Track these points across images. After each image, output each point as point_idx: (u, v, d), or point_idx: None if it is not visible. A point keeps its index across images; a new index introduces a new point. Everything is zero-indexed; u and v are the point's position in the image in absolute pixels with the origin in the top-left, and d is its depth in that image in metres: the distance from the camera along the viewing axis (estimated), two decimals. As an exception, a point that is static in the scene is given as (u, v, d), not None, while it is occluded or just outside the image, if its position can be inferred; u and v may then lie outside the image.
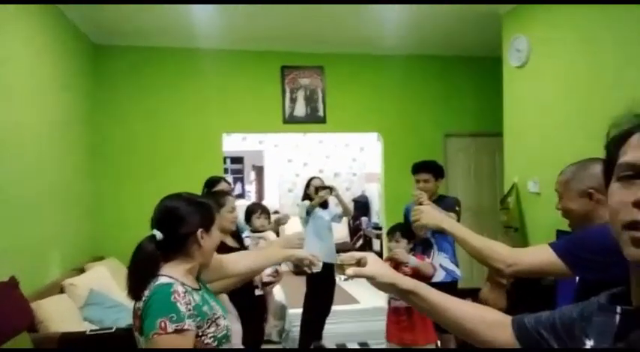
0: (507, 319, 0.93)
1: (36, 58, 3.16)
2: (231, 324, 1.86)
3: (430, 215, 1.52)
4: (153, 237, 1.32)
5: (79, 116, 4.01)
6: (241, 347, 1.91)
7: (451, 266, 3.07)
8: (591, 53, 2.91)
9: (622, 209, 0.62)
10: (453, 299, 1.00)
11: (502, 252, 1.37)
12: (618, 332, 0.65)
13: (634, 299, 0.66)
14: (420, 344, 2.43)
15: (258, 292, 2.57)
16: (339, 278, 1.11)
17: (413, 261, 2.38)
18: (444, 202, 3.10)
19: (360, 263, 1.03)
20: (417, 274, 2.34)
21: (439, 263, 3.07)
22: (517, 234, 3.55)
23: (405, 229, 2.24)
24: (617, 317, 0.67)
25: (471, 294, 3.16)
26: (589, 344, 0.72)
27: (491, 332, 0.93)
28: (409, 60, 5.01)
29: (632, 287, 0.67)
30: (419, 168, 3.16)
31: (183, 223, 1.33)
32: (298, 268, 1.56)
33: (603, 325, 0.70)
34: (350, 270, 1.01)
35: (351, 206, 7.89)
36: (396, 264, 2.43)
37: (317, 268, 1.73)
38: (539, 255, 1.33)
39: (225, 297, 1.90)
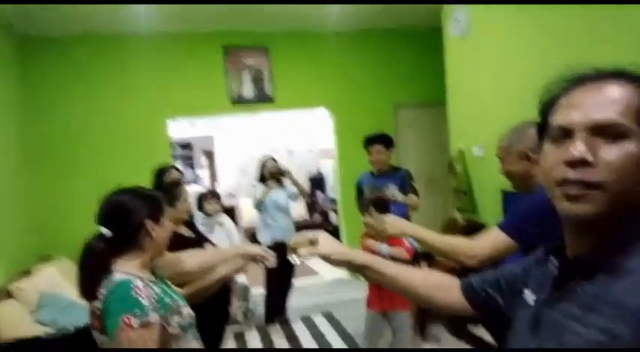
0: (457, 282, 0.99)
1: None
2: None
3: (394, 224, 1.58)
4: (100, 234, 1.28)
5: (5, 110, 3.72)
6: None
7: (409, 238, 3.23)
8: (530, 21, 3.02)
9: (555, 168, 0.66)
10: (406, 269, 1.04)
11: (463, 247, 1.43)
12: (555, 282, 0.70)
13: (568, 251, 0.71)
14: (399, 310, 2.51)
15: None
16: (294, 260, 1.10)
17: (385, 249, 2.42)
18: (397, 175, 3.27)
19: (312, 242, 1.04)
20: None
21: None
22: (466, 197, 3.72)
23: (378, 203, 2.26)
24: (554, 268, 0.72)
25: (425, 258, 3.32)
26: (529, 295, 0.77)
27: (443, 296, 0.98)
28: (352, 35, 5.01)
29: (567, 239, 0.71)
30: (372, 140, 3.27)
31: (131, 216, 1.30)
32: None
33: (541, 277, 0.75)
34: (303, 250, 1.03)
35: (307, 184, 7.95)
36: (374, 238, 2.46)
37: (270, 264, 1.70)
38: (492, 240, 1.40)
39: None
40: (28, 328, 2.71)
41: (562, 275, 0.69)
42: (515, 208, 1.47)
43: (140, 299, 1.18)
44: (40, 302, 3.00)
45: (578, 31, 2.61)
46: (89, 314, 1.25)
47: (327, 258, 1.02)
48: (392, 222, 1.59)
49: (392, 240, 2.42)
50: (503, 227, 1.40)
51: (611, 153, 0.61)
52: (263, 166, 3.95)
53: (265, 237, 3.87)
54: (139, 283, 1.21)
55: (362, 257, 1.03)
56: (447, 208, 4.32)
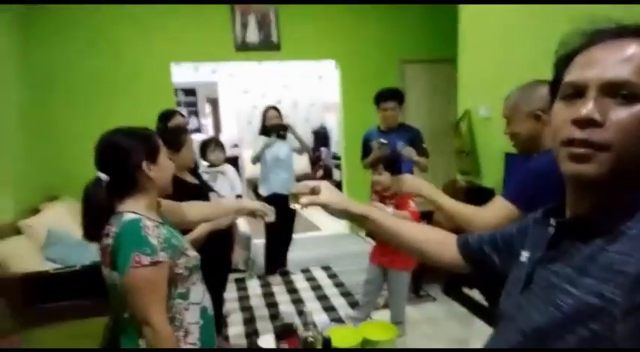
0: (454, 238, 1.00)
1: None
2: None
3: (410, 184, 1.55)
4: (99, 178, 1.28)
5: (12, 48, 3.65)
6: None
7: None
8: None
9: (562, 126, 0.64)
10: (405, 223, 1.05)
11: (469, 216, 1.40)
12: (551, 242, 0.70)
13: (568, 210, 0.71)
14: (398, 269, 2.52)
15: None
16: (295, 207, 1.11)
17: (390, 212, 2.40)
18: (407, 133, 3.21)
19: (313, 191, 1.04)
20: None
21: None
22: (468, 157, 3.72)
23: (388, 161, 2.20)
24: (551, 228, 0.71)
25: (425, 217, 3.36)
26: (524, 255, 0.77)
27: (442, 251, 0.99)
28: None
29: (567, 200, 0.71)
30: (385, 96, 3.16)
31: (126, 159, 1.27)
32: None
33: (538, 237, 0.76)
34: (303, 199, 1.03)
35: (311, 137, 7.91)
36: (382, 198, 2.42)
37: (270, 218, 1.71)
38: (497, 209, 1.37)
39: None
40: (37, 264, 2.82)
41: (558, 234, 0.69)
42: (518, 173, 1.42)
43: (150, 238, 1.21)
44: (48, 239, 3.09)
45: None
46: (99, 251, 1.29)
47: (326, 207, 1.03)
48: (410, 181, 1.56)
49: (399, 201, 2.39)
50: (507, 195, 1.36)
51: (622, 114, 0.59)
52: (264, 117, 3.88)
53: (265, 190, 3.86)
54: (148, 223, 1.24)
55: (360, 207, 1.03)
56: (449, 169, 4.33)
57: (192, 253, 1.37)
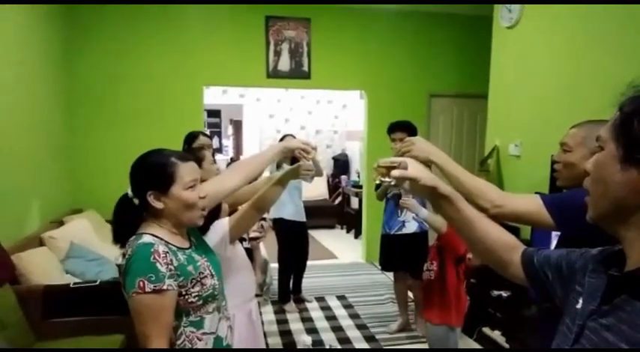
0: (521, 248, 0.97)
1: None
2: (247, 278, 1.91)
3: (421, 147, 1.45)
4: (126, 194, 1.32)
5: (51, 61, 3.79)
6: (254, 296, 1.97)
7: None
8: (585, 17, 2.89)
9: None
10: (483, 216, 1.03)
11: (491, 193, 1.34)
12: (604, 295, 0.68)
13: (629, 261, 0.68)
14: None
15: (245, 245, 2.59)
16: (380, 180, 1.04)
17: (424, 212, 2.35)
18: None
19: (400, 166, 1.01)
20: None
21: (412, 216, 3.23)
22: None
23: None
24: (606, 280, 0.70)
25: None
26: (580, 303, 0.75)
27: (509, 257, 0.96)
28: (397, 15, 4.89)
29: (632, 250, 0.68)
30: (395, 127, 3.26)
31: (136, 185, 1.29)
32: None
33: (594, 286, 0.73)
34: (396, 172, 0.99)
35: (331, 163, 7.93)
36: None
37: (311, 155, 1.61)
38: (528, 202, 1.32)
39: (241, 251, 1.91)
40: (57, 276, 2.82)
41: (612, 289, 0.67)
42: (566, 192, 1.35)
43: (157, 265, 1.19)
44: (70, 252, 3.11)
45: (631, 42, 2.49)
46: (118, 270, 1.30)
47: (415, 182, 1.00)
48: (420, 144, 1.46)
49: None
50: (547, 199, 1.30)
51: None
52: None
53: (271, 212, 3.83)
54: (161, 248, 1.22)
55: (448, 189, 1.01)
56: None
57: (210, 281, 1.33)
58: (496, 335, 3.17)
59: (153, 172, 1.28)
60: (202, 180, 1.41)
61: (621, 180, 0.65)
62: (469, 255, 2.33)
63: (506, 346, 3.01)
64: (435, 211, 1.11)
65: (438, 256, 2.38)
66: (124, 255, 1.25)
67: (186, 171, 1.30)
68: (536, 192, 2.97)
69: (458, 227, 1.03)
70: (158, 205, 1.27)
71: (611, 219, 0.69)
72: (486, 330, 3.26)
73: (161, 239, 1.26)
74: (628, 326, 0.61)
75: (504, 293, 3.11)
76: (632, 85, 0.68)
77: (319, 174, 4.05)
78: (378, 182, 1.08)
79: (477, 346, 3.22)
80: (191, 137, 3.10)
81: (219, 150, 8.66)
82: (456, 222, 1.02)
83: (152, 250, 1.20)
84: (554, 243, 2.16)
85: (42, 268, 2.79)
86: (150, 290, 1.17)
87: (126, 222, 1.30)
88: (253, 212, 1.75)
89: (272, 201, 1.77)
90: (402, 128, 3.22)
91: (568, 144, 1.41)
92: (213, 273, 1.36)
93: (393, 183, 1.02)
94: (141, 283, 1.17)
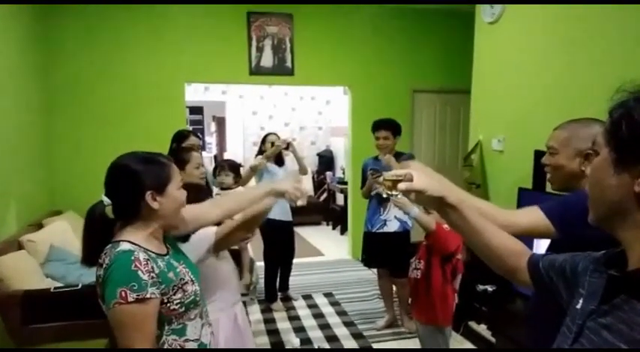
0: (528, 254, 0.98)
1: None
2: (232, 283, 1.90)
3: (415, 167, 1.41)
4: (102, 202, 1.24)
5: (29, 61, 3.67)
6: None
7: (404, 218, 3.29)
8: (565, 14, 2.92)
9: None
10: (490, 223, 1.03)
11: (493, 213, 1.31)
12: (604, 295, 0.69)
13: (631, 262, 0.69)
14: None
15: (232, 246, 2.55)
16: (388, 195, 1.02)
17: (415, 211, 2.34)
18: (401, 158, 3.21)
19: (405, 179, 1.00)
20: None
21: (394, 215, 3.31)
22: (479, 190, 3.68)
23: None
24: (606, 280, 0.71)
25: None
26: (580, 302, 0.76)
27: (517, 263, 0.98)
28: (380, 10, 4.88)
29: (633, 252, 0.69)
30: (379, 125, 3.28)
31: (129, 186, 1.22)
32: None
33: (594, 286, 0.75)
34: (402, 185, 0.98)
35: (316, 160, 7.91)
36: None
37: (302, 202, 1.63)
38: (529, 216, 1.32)
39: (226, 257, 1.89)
40: (37, 280, 2.75)
41: (611, 289, 0.68)
42: (564, 198, 1.36)
43: (139, 273, 1.15)
44: (49, 256, 3.03)
45: (606, 41, 2.53)
46: (95, 280, 1.23)
47: (421, 194, 0.99)
48: (415, 166, 1.42)
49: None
50: (547, 210, 1.30)
51: None
52: (264, 142, 3.85)
53: None
54: (141, 256, 1.18)
55: (455, 196, 1.00)
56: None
57: (192, 288, 1.30)
58: (482, 329, 3.21)
59: (155, 171, 1.26)
60: (183, 184, 1.38)
61: (615, 184, 0.67)
62: (459, 256, 2.34)
63: (492, 340, 3.05)
64: (442, 218, 1.08)
65: (426, 255, 2.38)
66: (100, 265, 1.19)
67: (175, 171, 1.31)
68: (519, 188, 3.03)
69: (465, 235, 1.03)
70: (155, 205, 1.24)
71: (609, 222, 0.71)
72: (472, 324, 3.31)
73: (139, 246, 1.21)
74: (627, 325, 0.62)
75: (490, 288, 3.15)
76: (621, 90, 0.69)
77: (303, 171, 4.03)
78: (385, 196, 1.07)
79: (469, 345, 3.25)
80: (181, 136, 3.04)
81: (203, 147, 8.56)
82: (463, 230, 1.02)
83: (132, 258, 1.16)
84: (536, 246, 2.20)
85: (21, 272, 2.71)
86: (133, 300, 1.13)
87: (98, 240, 1.24)
88: (242, 232, 1.75)
89: (260, 222, 1.80)
90: (386, 126, 3.26)
91: (554, 147, 1.42)
92: (193, 279, 1.33)
93: (400, 197, 1.02)
94: (123, 293, 1.12)
